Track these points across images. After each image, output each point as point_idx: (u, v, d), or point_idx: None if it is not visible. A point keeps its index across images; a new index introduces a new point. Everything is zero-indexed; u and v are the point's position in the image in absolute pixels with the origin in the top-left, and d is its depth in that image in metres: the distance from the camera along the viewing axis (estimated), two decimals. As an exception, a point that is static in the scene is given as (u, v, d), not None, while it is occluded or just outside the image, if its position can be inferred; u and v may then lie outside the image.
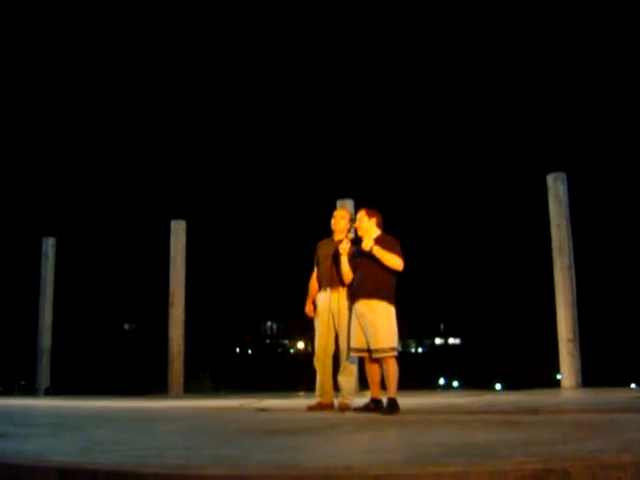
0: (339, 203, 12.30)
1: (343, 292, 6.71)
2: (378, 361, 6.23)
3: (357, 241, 6.61)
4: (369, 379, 6.40)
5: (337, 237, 6.89)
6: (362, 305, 6.26)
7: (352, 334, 6.39)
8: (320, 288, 6.92)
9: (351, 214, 7.30)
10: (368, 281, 6.25)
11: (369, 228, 6.48)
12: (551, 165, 12.71)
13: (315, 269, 7.07)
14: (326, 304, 6.79)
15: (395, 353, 6.16)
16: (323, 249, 6.96)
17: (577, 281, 11.78)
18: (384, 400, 6.19)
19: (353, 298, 6.41)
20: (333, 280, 6.77)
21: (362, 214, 6.56)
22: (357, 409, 6.32)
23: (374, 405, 6.26)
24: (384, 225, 6.62)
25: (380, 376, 6.30)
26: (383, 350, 6.10)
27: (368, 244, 6.22)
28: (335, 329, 6.76)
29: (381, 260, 6.21)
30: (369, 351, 6.21)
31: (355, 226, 6.69)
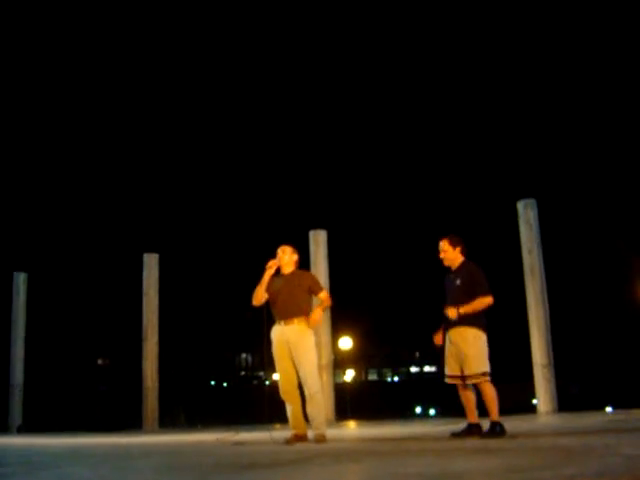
0: (312, 234, 12.35)
1: (298, 323, 6.78)
2: (470, 387, 6.33)
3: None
4: (464, 405, 6.47)
5: (285, 271, 7.02)
6: (454, 333, 6.37)
7: (445, 362, 6.50)
8: (274, 323, 6.94)
9: (293, 249, 7.24)
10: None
11: (454, 257, 6.61)
12: (521, 192, 12.89)
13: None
14: (282, 337, 6.81)
15: (488, 378, 6.22)
16: (273, 285, 6.98)
17: (550, 306, 11.90)
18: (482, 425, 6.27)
19: (446, 327, 6.49)
20: (287, 313, 6.83)
21: (444, 243, 6.64)
22: (455, 434, 6.34)
23: (474, 430, 6.30)
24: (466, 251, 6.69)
25: (474, 401, 6.40)
26: (476, 376, 6.20)
27: (453, 313, 6.28)
28: (293, 361, 6.76)
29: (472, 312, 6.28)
30: (462, 378, 6.31)
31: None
